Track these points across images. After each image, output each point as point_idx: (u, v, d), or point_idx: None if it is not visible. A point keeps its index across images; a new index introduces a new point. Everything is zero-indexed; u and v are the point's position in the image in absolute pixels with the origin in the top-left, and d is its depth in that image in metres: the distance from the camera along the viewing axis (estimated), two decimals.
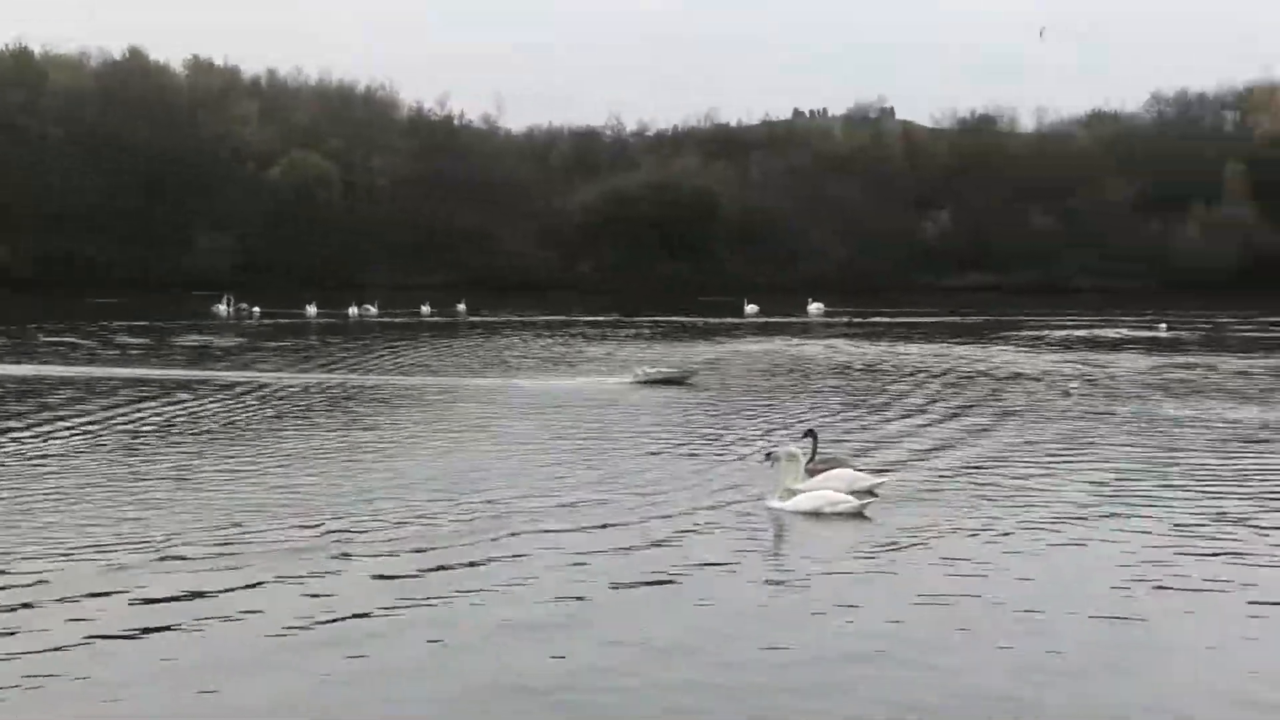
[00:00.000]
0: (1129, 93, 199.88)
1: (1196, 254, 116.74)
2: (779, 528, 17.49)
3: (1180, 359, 46.83)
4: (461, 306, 77.89)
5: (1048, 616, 13.33)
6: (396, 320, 70.26)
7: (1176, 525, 17.63)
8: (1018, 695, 11.03)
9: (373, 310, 74.70)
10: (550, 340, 55.86)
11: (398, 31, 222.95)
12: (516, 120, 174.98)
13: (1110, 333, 61.25)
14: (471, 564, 15.04)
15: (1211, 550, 16.27)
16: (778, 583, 14.65)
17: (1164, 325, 63.37)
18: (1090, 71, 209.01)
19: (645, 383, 36.68)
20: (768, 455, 19.14)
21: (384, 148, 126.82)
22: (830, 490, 18.52)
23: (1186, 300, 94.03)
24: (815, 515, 17.84)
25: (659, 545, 16.22)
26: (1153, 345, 54.19)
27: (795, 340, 56.06)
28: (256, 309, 74.08)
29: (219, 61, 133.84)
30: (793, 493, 18.51)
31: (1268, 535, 17.11)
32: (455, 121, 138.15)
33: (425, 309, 76.13)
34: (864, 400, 33.20)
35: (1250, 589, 14.44)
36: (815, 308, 79.19)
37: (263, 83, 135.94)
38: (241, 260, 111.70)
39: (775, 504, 18.17)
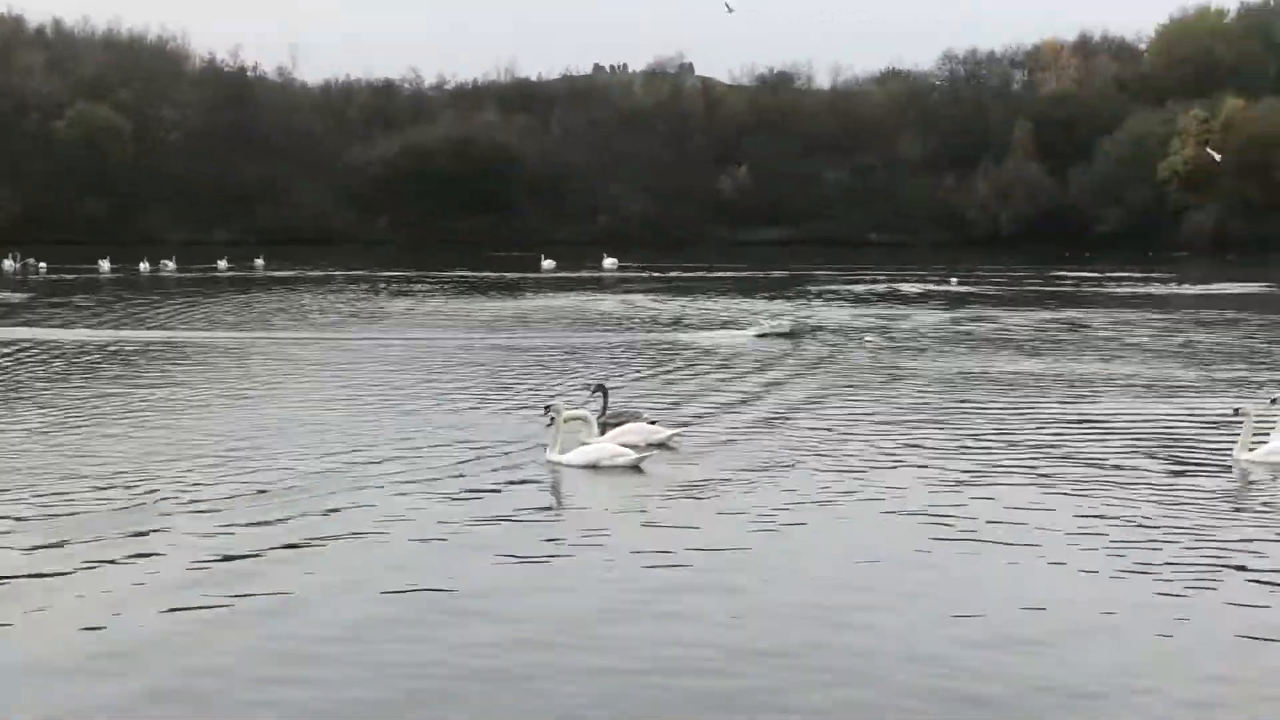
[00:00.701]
0: (922, 52, 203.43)
1: (986, 210, 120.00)
2: (556, 481, 17.56)
3: (970, 312, 48.09)
4: (260, 261, 76.41)
5: (811, 563, 13.61)
6: (192, 276, 68.65)
7: (958, 472, 18.10)
8: (776, 640, 11.23)
9: (170, 265, 72.78)
10: (352, 295, 55.29)
11: None
12: (312, 73, 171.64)
13: (904, 287, 62.52)
14: (263, 524, 14.76)
15: (986, 495, 16.73)
16: (553, 539, 14.62)
17: (955, 279, 64.94)
18: (885, 30, 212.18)
19: (763, 335, 37.32)
20: (546, 409, 19.12)
21: (175, 100, 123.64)
22: (609, 444, 18.66)
23: (977, 255, 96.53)
24: (593, 469, 17.98)
25: (446, 499, 16.25)
26: (945, 299, 55.47)
27: (590, 296, 56.00)
28: (43, 265, 71.63)
29: (2, 10, 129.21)
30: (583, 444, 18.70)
31: (1041, 479, 17.70)
32: (249, 73, 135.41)
33: (222, 264, 74.53)
34: (660, 355, 33.34)
35: (1010, 529, 14.92)
36: (610, 263, 79.17)
37: (48, 32, 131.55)
38: (25, 214, 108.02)
39: (554, 458, 18.23)
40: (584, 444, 18.82)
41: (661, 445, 19.56)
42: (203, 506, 15.59)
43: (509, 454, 19.03)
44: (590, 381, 24.12)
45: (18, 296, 52.92)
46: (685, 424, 21.38)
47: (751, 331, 38.41)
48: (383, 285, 62.02)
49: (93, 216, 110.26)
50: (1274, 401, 19.90)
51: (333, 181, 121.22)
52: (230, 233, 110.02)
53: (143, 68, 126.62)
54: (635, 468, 18.08)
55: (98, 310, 46.98)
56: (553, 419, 18.77)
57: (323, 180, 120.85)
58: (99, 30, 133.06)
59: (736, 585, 12.84)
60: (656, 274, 72.85)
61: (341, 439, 20.19)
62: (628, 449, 18.49)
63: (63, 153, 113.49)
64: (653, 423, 20.58)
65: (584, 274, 72.58)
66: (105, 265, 71.07)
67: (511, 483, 17.22)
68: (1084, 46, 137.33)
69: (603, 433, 19.79)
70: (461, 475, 17.55)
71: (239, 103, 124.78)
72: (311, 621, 11.56)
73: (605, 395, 21.48)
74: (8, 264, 73.25)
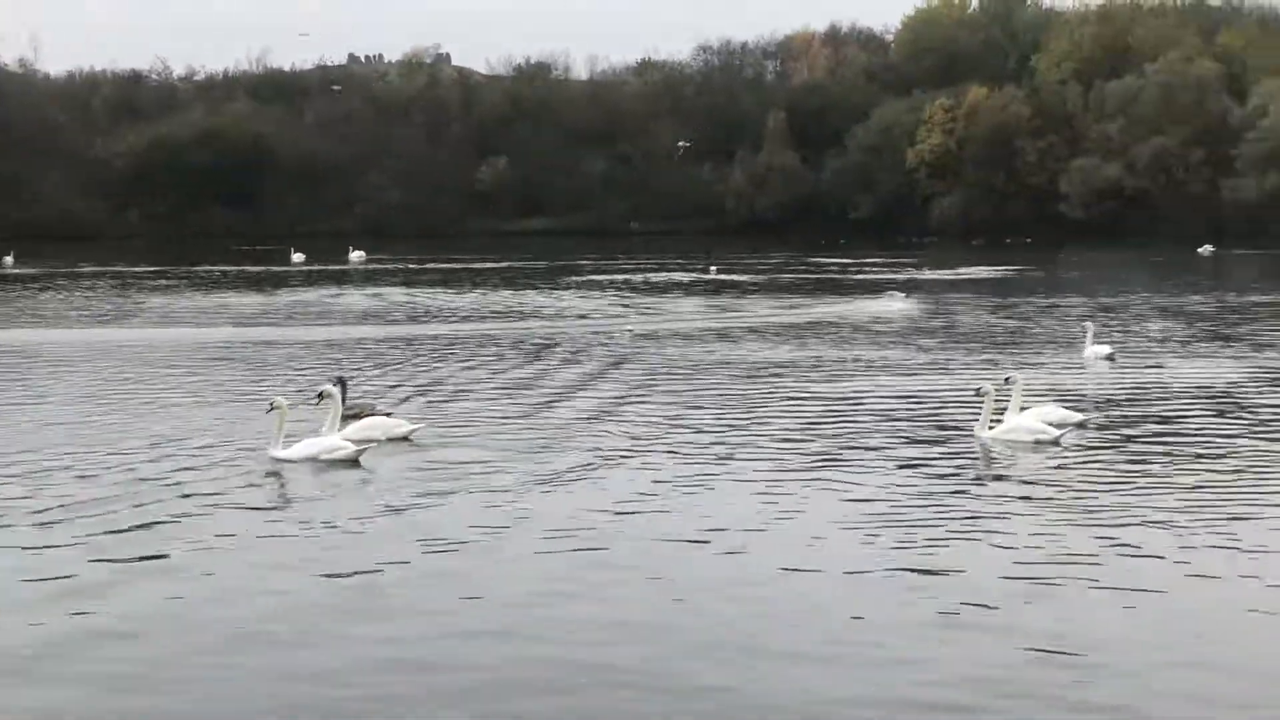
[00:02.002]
0: (678, 42, 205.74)
1: (743, 198, 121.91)
2: (279, 476, 17.36)
3: (729, 300, 48.83)
4: (9, 259, 73.28)
5: (535, 555, 13.56)
6: None
7: (703, 456, 18.33)
8: (492, 630, 11.28)
9: None
10: (104, 292, 53.72)
11: None
12: (56, 63, 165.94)
13: (664, 276, 63.11)
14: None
15: (728, 474, 17.11)
16: (286, 535, 14.46)
17: (714, 268, 65.74)
18: (641, 20, 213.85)
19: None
20: (271, 406, 18.83)
21: None
22: (329, 438, 18.50)
23: (736, 243, 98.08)
24: (314, 462, 17.87)
25: (157, 493, 16.01)
26: (704, 287, 56.16)
27: (339, 289, 55.12)
28: None
29: None
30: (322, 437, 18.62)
31: (791, 458, 18.01)
32: None
33: None
34: (409, 348, 33.03)
35: (755, 504, 15.12)
36: (356, 256, 77.82)
37: None
38: None
39: (277, 453, 18.05)
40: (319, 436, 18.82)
41: (404, 439, 19.47)
42: None
43: (235, 449, 18.82)
44: (331, 375, 23.66)
45: None
46: (428, 418, 21.20)
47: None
48: (133, 281, 60.23)
49: None
50: (1008, 381, 20.62)
51: (79, 175, 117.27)
52: None
53: None
54: (355, 461, 18.01)
55: None
56: (273, 408, 18.51)
57: (69, 173, 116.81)
58: None
59: (454, 572, 12.92)
60: (413, 266, 72.30)
61: (69, 439, 19.56)
62: (347, 443, 18.38)
63: None
64: (388, 414, 20.62)
65: (333, 267, 71.49)
66: None
67: (231, 479, 16.96)
68: (834, 37, 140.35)
69: (342, 426, 19.64)
70: (183, 470, 17.30)
71: None
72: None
73: (344, 388, 21.28)
74: None
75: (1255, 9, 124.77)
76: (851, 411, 22.33)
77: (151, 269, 69.19)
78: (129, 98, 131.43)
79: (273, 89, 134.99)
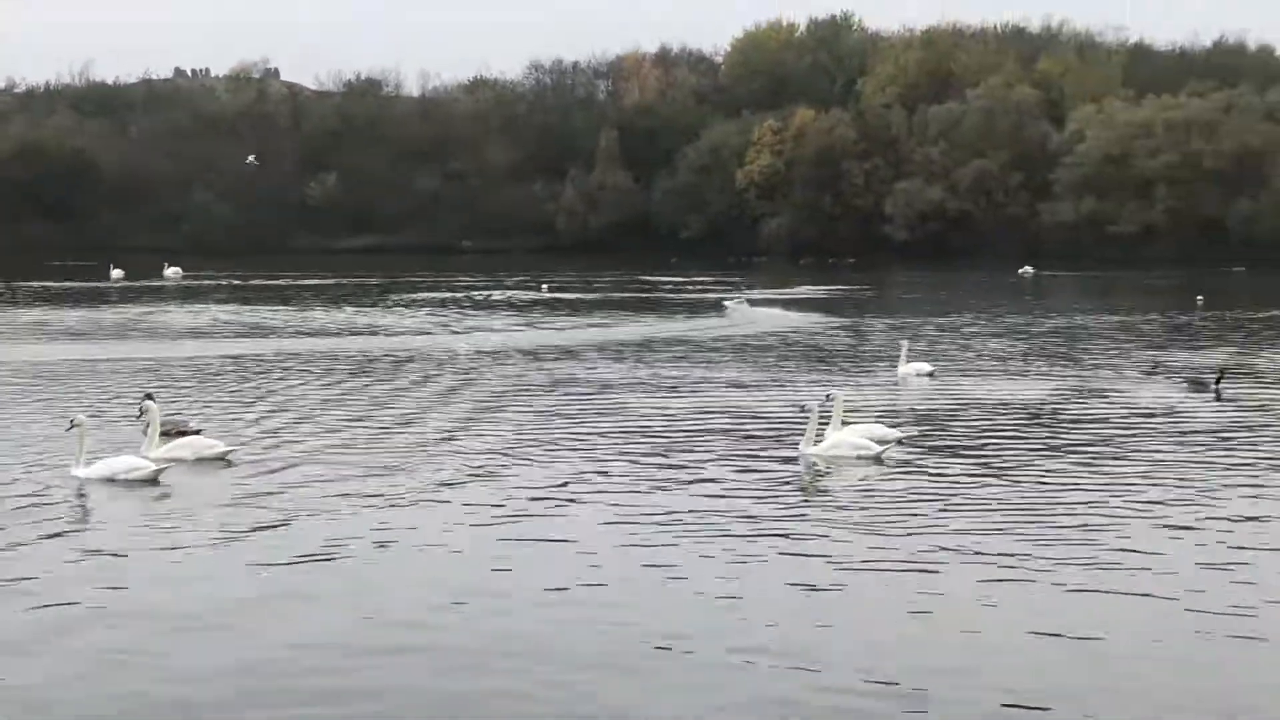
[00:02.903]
0: (509, 61, 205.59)
1: (574, 216, 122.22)
2: (80, 496, 17.10)
3: (562, 318, 48.94)
4: None
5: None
6: None
7: (535, 472, 18.46)
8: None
9: None
10: None
11: None
12: None
13: (495, 294, 62.94)
14: None
15: (559, 493, 17.23)
16: (91, 550, 14.33)
17: (545, 286, 65.84)
18: (471, 37, 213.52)
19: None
20: (71, 424, 18.56)
21: None
22: (128, 458, 18.24)
23: (567, 261, 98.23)
24: (110, 481, 17.63)
25: None
26: (533, 305, 56.23)
27: (153, 307, 53.83)
28: None
29: None
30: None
31: (620, 473, 18.16)
32: None
33: None
34: (229, 367, 32.48)
35: (577, 520, 15.28)
36: (172, 272, 76.28)
37: None
38: None
39: (78, 472, 17.83)
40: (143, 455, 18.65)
41: (219, 459, 19.20)
42: None
43: (36, 467, 18.52)
44: (142, 391, 23.26)
45: None
46: (245, 437, 21.00)
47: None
48: None
49: None
50: (828, 398, 21.04)
51: None
52: None
53: None
54: (153, 480, 17.81)
55: None
56: (73, 425, 18.27)
57: None
58: None
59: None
60: (236, 283, 71.25)
61: None
62: (147, 461, 18.19)
63: None
64: (197, 432, 20.37)
65: (150, 283, 70.15)
66: None
67: (36, 499, 16.69)
68: (664, 58, 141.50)
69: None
70: None
71: None
72: None
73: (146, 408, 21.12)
74: None
75: (1073, 36, 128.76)
76: (676, 428, 22.57)
77: None
78: None
79: (96, 103, 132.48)
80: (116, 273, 72.97)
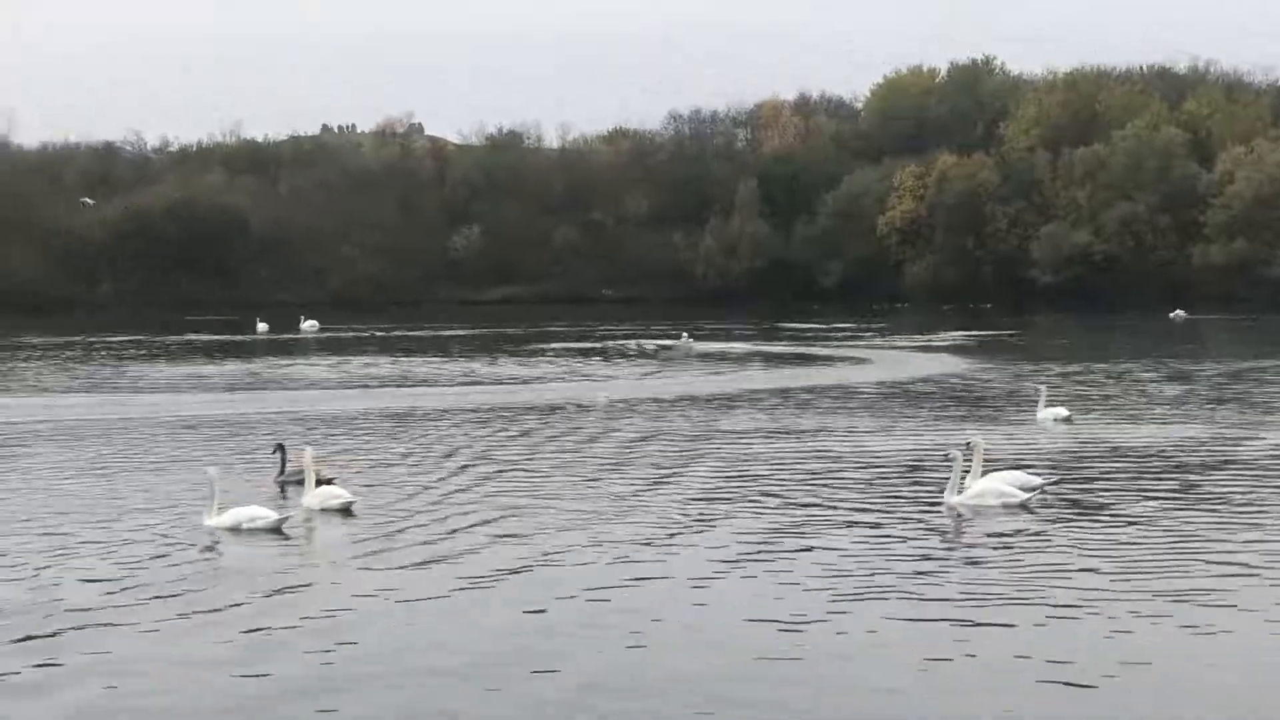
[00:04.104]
0: (649, 111, 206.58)
1: (714, 265, 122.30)
2: (204, 545, 17.17)
3: (701, 366, 48.70)
4: None
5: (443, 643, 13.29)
6: None
7: (681, 524, 18.15)
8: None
9: None
10: (74, 362, 53.37)
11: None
12: (30, 136, 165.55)
13: (632, 343, 62.95)
14: None
15: (701, 541, 16.99)
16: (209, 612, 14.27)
17: (686, 334, 65.59)
18: (612, 89, 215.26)
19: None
20: (206, 479, 18.61)
21: None
22: (251, 508, 18.32)
23: (707, 309, 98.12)
24: (235, 531, 17.76)
25: (92, 565, 15.89)
26: (676, 354, 56.02)
27: (296, 360, 54.66)
28: None
29: None
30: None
31: (769, 522, 17.87)
32: None
33: None
34: (368, 417, 32.69)
35: (724, 564, 14.99)
36: (309, 325, 77.63)
37: None
38: None
39: (209, 521, 18.01)
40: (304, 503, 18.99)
41: (344, 509, 19.19)
42: None
43: (165, 520, 18.65)
44: (272, 442, 23.45)
45: None
46: (373, 487, 21.00)
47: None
48: (105, 350, 59.88)
49: None
50: (968, 445, 20.49)
51: (52, 247, 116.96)
52: None
53: None
54: (277, 530, 17.88)
55: None
56: (206, 477, 18.36)
57: (41, 246, 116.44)
58: None
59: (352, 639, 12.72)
60: (380, 334, 72.11)
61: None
62: (269, 512, 18.26)
63: None
64: (330, 481, 20.32)
65: (291, 336, 71.34)
66: None
67: (163, 548, 16.84)
68: (804, 105, 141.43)
69: (282, 491, 19.97)
70: (118, 542, 17.10)
71: None
72: None
73: (284, 455, 21.55)
74: None
75: (1220, 76, 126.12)
76: (820, 477, 22.10)
77: (121, 339, 68.73)
78: (103, 170, 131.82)
79: (246, 160, 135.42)
80: (262, 326, 74.48)
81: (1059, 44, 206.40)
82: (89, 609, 13.88)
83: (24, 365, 51.51)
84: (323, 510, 19.12)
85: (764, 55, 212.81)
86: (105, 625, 13.31)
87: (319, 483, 20.33)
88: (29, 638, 12.86)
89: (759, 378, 43.37)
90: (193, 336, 71.11)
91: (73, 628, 13.20)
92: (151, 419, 32.04)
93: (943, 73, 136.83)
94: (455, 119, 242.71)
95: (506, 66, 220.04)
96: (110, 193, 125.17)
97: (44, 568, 15.75)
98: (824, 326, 75.69)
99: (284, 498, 20.63)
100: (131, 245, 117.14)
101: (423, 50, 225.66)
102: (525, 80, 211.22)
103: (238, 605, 14.16)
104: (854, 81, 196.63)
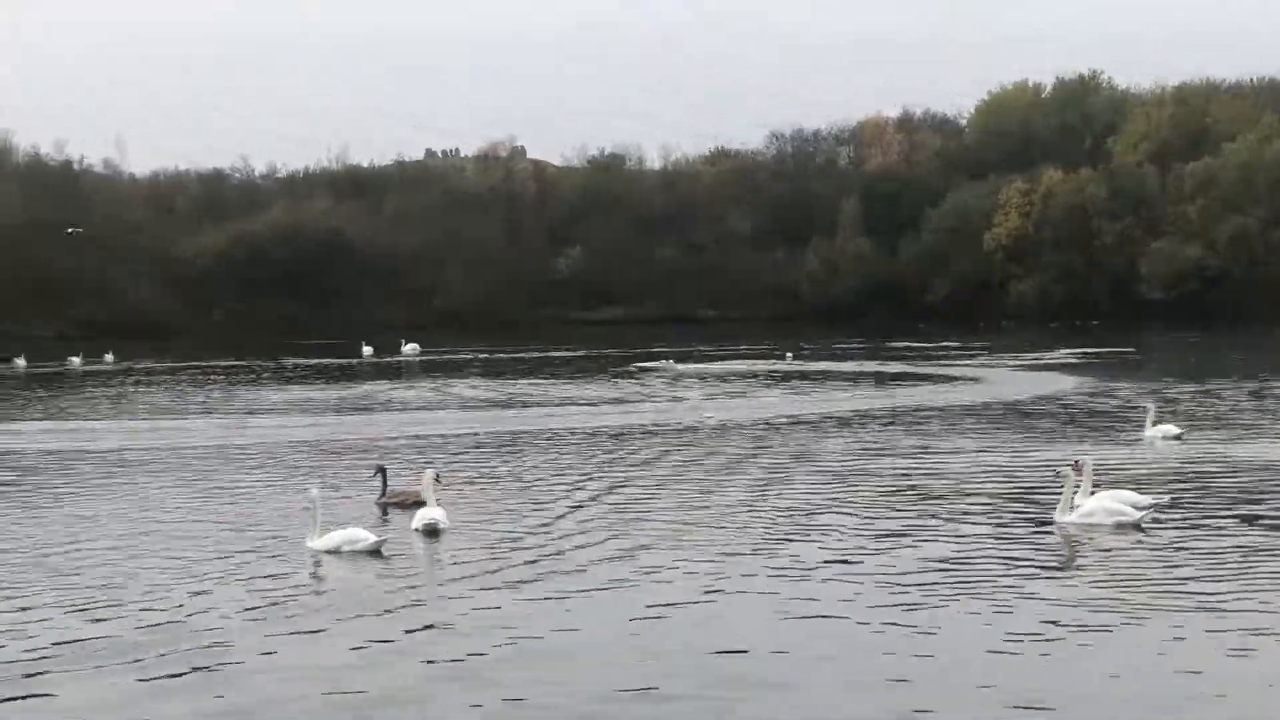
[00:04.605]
0: (750, 131, 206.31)
1: (817, 283, 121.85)
2: (313, 567, 17.35)
3: (805, 386, 48.39)
4: (110, 356, 74.14)
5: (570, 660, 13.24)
6: (45, 372, 66.77)
7: (788, 541, 18.04)
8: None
9: (21, 364, 70.41)
10: (185, 386, 54.39)
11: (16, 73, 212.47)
12: (141, 164, 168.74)
13: (739, 365, 62.68)
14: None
15: (808, 558, 16.80)
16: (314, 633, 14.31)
17: (789, 355, 65.22)
18: (711, 110, 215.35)
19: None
20: (308, 500, 18.71)
21: None
22: (354, 530, 18.36)
23: (811, 328, 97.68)
24: (336, 553, 17.81)
25: (208, 584, 16.02)
26: (779, 374, 55.75)
27: (399, 383, 55.09)
28: None
29: None
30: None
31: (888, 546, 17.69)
32: (74, 166, 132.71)
33: (76, 360, 72.35)
34: (468, 440, 32.78)
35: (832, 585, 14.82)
36: (410, 348, 78.31)
37: None
38: None
39: (312, 544, 18.11)
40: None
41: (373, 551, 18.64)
42: None
43: (271, 542, 18.82)
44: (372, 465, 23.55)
45: None
46: (480, 506, 21.07)
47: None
48: (224, 376, 60.91)
49: None
50: (1076, 464, 20.11)
51: (163, 273, 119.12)
52: (53, 328, 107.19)
53: None
54: (377, 552, 17.89)
55: (26, 407, 45.70)
56: (308, 500, 18.46)
57: (151, 272, 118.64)
58: None
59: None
60: (484, 355, 72.54)
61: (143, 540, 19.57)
62: (368, 534, 18.22)
63: None
64: (422, 502, 20.28)
65: (394, 359, 72.02)
66: None
67: (272, 568, 17.00)
68: (907, 122, 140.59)
69: (383, 513, 20.18)
70: (226, 564, 17.29)
71: (64, 196, 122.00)
72: None
73: (385, 477, 21.85)
74: None
75: None
76: (928, 497, 21.88)
77: (231, 364, 69.81)
78: (211, 196, 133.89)
79: (351, 185, 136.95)
80: (367, 350, 75.29)
81: (1168, 57, 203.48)
82: (206, 629, 13.99)
83: (139, 391, 52.43)
84: (426, 532, 19.20)
85: (865, 73, 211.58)
86: (221, 645, 13.39)
87: (415, 504, 20.48)
88: (152, 658, 12.96)
89: (863, 397, 42.95)
90: (299, 360, 71.97)
91: (196, 647, 13.29)
92: (261, 442, 32.38)
93: (1048, 88, 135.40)
94: (558, 142, 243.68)
95: (604, 90, 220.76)
96: (219, 219, 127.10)
97: (165, 586, 15.96)
98: (930, 345, 75.03)
99: (385, 520, 20.72)
100: (241, 271, 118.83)
101: (522, 71, 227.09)
102: (625, 102, 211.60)
103: (344, 622, 14.29)
104: (958, 98, 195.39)
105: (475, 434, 33.72)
